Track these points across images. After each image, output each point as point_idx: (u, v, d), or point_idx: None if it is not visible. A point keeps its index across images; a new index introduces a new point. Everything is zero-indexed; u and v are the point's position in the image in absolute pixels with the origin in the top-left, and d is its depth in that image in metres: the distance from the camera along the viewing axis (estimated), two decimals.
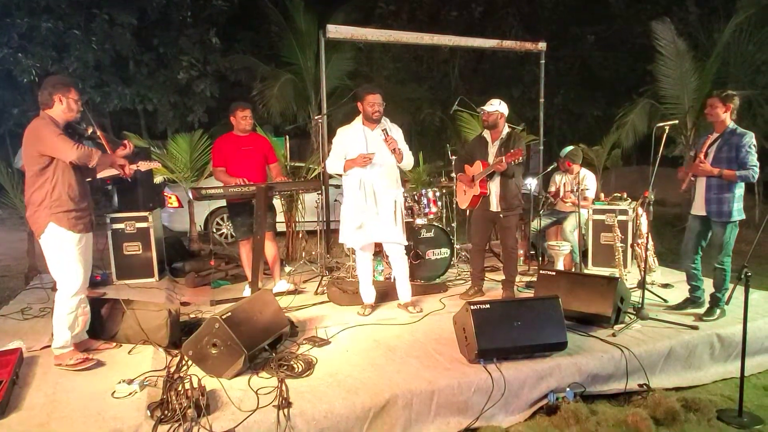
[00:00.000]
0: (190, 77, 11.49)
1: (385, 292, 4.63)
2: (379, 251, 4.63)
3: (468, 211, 5.01)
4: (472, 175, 4.68)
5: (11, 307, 4.69)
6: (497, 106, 4.57)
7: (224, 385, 2.97)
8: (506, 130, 4.63)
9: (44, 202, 3.21)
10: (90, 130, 3.54)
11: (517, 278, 5.14)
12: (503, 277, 4.87)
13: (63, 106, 3.23)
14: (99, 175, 3.92)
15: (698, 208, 4.18)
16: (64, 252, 3.24)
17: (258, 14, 12.31)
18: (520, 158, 4.26)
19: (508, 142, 4.54)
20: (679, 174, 4.30)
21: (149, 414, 2.64)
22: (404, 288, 4.45)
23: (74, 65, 10.25)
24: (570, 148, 5.97)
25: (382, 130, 4.15)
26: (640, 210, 5.43)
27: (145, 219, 5.55)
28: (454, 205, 6.27)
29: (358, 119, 4.25)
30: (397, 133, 4.29)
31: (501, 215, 4.60)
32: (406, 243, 4.38)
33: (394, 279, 4.47)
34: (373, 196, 4.16)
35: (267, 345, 3.38)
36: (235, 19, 12.83)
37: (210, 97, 11.94)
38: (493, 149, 4.61)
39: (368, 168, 4.14)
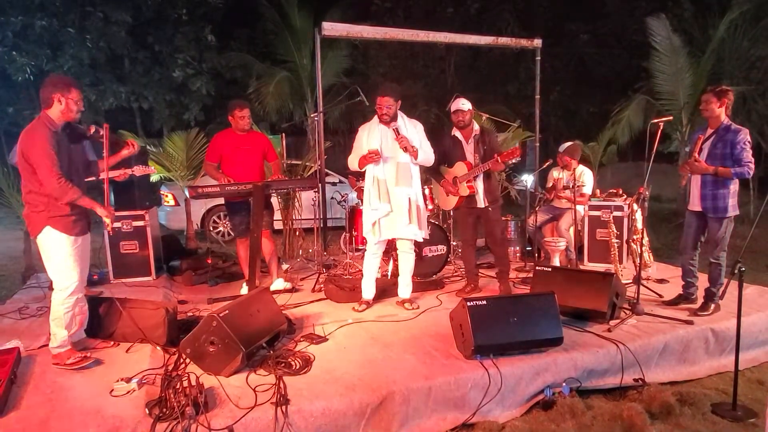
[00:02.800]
0: (185, 75, 11.47)
1: (382, 290, 4.64)
2: (387, 248, 4.64)
3: (451, 212, 4.99)
4: (455, 176, 4.68)
5: (8, 307, 4.68)
6: (469, 105, 4.60)
7: (222, 382, 2.98)
8: (476, 126, 4.66)
9: (40, 206, 3.18)
10: (92, 130, 3.49)
11: (513, 274, 5.16)
12: (497, 272, 4.88)
13: (62, 107, 3.19)
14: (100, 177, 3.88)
15: (694, 204, 4.19)
16: (60, 253, 3.23)
17: (253, 12, 12.29)
18: (518, 157, 4.30)
19: (483, 137, 4.59)
20: (680, 170, 4.31)
21: (148, 412, 2.65)
22: (405, 284, 4.47)
23: (69, 63, 10.21)
24: (568, 144, 5.99)
25: (394, 129, 4.18)
26: (635, 206, 5.46)
27: (141, 218, 5.54)
28: None
29: (377, 117, 4.30)
30: (414, 129, 4.28)
31: (489, 209, 4.62)
32: (422, 239, 4.38)
33: (392, 275, 4.48)
34: (387, 193, 4.21)
35: (265, 342, 3.38)
36: (230, 17, 12.80)
37: (206, 95, 11.91)
38: (469, 147, 4.63)
39: (381, 165, 4.21)
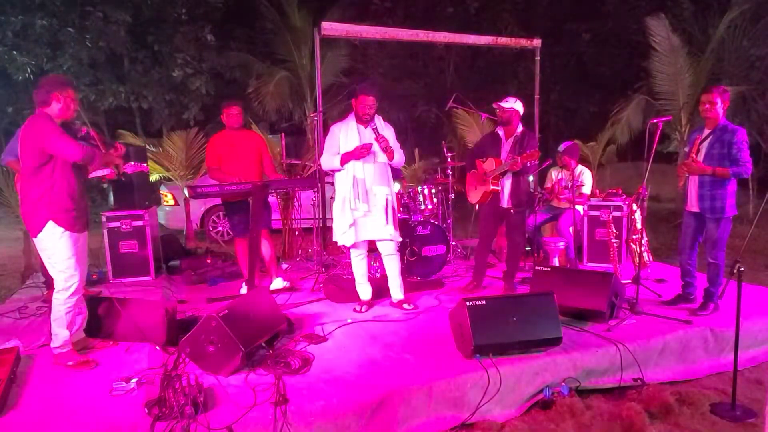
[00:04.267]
0: (185, 75, 11.46)
1: (382, 289, 4.64)
2: (374, 248, 4.65)
3: (477, 206, 5.01)
4: (484, 171, 4.69)
5: (7, 306, 4.68)
6: (512, 104, 4.60)
7: (221, 382, 2.99)
8: (520, 128, 4.66)
9: (43, 200, 3.19)
10: (84, 130, 3.53)
11: None
12: (504, 271, 4.92)
13: (60, 105, 3.22)
14: (91, 175, 3.91)
15: (692, 205, 4.18)
16: (63, 251, 3.24)
17: (253, 11, 12.30)
18: (537, 160, 4.31)
19: (522, 140, 4.56)
20: (677, 170, 4.30)
21: (147, 411, 2.65)
22: (397, 286, 4.47)
23: (68, 63, 10.22)
24: (568, 143, 5.99)
25: (373, 129, 4.18)
26: (634, 206, 5.46)
27: (141, 217, 5.54)
28: (449, 202, 6.29)
29: (352, 116, 4.28)
30: (388, 131, 4.29)
31: (511, 211, 4.62)
32: (399, 239, 4.38)
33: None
34: (365, 193, 4.19)
35: (264, 342, 3.39)
36: (229, 16, 12.80)
37: (205, 95, 11.90)
38: (506, 147, 4.63)
39: (361, 165, 4.17)
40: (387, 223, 4.22)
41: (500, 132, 4.71)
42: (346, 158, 4.17)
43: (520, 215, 4.68)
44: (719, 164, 3.94)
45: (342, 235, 4.26)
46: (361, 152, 4.12)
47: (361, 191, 4.18)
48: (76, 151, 3.16)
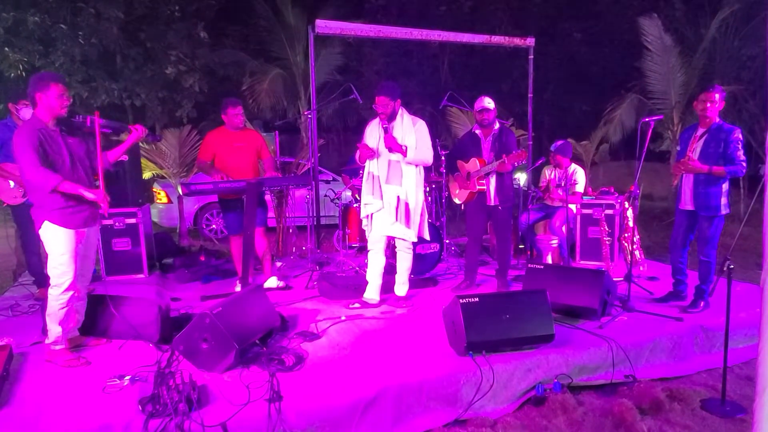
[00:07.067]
0: (178, 72, 11.39)
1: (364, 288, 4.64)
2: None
3: (462, 206, 5.03)
4: (468, 171, 4.72)
5: None
6: (493, 103, 4.64)
7: (215, 379, 2.99)
8: (497, 125, 4.69)
9: (39, 201, 3.20)
10: (89, 122, 3.46)
11: None
12: (497, 268, 4.95)
13: (44, 104, 3.21)
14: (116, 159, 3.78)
15: (686, 203, 4.21)
16: (58, 248, 3.23)
17: (246, 8, 12.25)
18: (524, 161, 4.36)
19: (500, 136, 4.62)
20: (672, 169, 4.31)
21: (140, 408, 2.65)
22: (401, 282, 4.49)
23: (61, 60, 10.14)
24: (560, 142, 6.02)
25: (383, 128, 4.21)
26: (626, 204, 5.50)
27: (134, 215, 5.52)
28: (443, 200, 6.31)
29: None
30: (411, 128, 4.26)
31: (499, 207, 4.66)
32: (408, 239, 4.35)
33: (385, 272, 4.49)
34: (379, 189, 4.27)
35: (258, 340, 3.39)
36: (223, 13, 12.75)
37: (199, 92, 11.85)
38: (486, 145, 4.67)
39: (376, 162, 4.29)
40: (396, 220, 4.26)
41: (478, 131, 4.76)
42: (360, 156, 4.34)
43: (507, 211, 4.72)
44: (714, 163, 3.96)
45: (365, 226, 4.45)
46: (362, 153, 4.27)
47: (375, 187, 4.29)
48: (28, 170, 3.08)
